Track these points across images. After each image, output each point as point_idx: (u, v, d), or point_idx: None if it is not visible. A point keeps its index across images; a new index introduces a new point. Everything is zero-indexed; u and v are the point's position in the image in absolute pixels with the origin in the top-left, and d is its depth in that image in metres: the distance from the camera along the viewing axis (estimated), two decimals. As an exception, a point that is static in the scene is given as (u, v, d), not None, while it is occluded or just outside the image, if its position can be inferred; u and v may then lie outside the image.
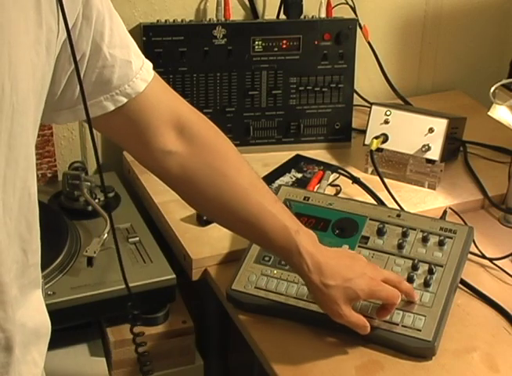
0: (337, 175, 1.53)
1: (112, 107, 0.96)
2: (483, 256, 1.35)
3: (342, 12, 1.67)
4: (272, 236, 1.09)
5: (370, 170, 1.55)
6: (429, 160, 1.52)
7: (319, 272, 1.09)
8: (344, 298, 1.10)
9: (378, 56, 1.76)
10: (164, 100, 1.03)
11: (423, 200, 1.50)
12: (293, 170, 1.57)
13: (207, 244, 1.36)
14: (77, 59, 0.89)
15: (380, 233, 1.27)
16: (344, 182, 1.52)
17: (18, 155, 0.81)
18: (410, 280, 1.20)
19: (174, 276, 1.33)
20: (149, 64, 1.00)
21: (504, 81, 1.47)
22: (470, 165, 1.60)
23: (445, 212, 1.39)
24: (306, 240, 1.10)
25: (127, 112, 0.98)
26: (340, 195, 1.48)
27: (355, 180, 1.51)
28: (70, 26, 0.84)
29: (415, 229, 1.27)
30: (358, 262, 1.15)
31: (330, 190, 1.50)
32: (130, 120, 0.99)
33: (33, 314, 0.91)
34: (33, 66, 0.80)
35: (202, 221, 1.40)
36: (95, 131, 0.94)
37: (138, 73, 0.97)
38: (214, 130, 1.09)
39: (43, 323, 0.94)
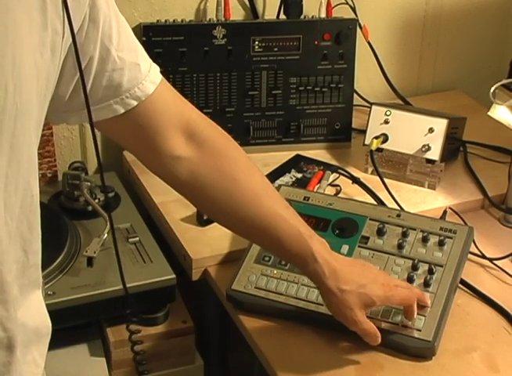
0: (337, 175, 1.53)
1: (122, 110, 0.96)
2: (483, 256, 1.35)
3: (342, 12, 1.67)
4: (286, 242, 1.08)
5: (370, 170, 1.55)
6: (429, 160, 1.52)
7: (335, 278, 1.09)
8: (359, 304, 1.10)
9: (378, 56, 1.76)
10: (172, 104, 1.02)
11: (423, 200, 1.50)
12: (293, 170, 1.57)
13: (207, 244, 1.36)
14: (85, 62, 0.89)
15: (380, 233, 1.27)
16: (344, 182, 1.52)
17: (21, 155, 0.81)
18: (410, 280, 1.20)
19: (174, 276, 1.33)
20: (156, 67, 0.99)
21: (504, 81, 1.47)
22: (470, 165, 1.60)
23: (445, 212, 1.39)
24: (320, 246, 1.10)
25: (135, 116, 0.97)
26: (340, 195, 1.48)
27: (355, 180, 1.51)
28: (76, 29, 0.84)
29: (415, 229, 1.27)
30: (370, 269, 1.15)
31: (330, 190, 1.50)
32: (138, 124, 0.98)
33: (33, 314, 0.91)
34: (37, 67, 0.81)
35: (202, 221, 1.40)
36: (96, 131, 0.94)
37: (147, 75, 0.97)
38: (224, 136, 1.08)
39: (43, 323, 0.94)
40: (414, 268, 1.22)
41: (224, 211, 1.08)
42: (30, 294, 0.90)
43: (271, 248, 1.15)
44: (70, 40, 0.84)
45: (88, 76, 0.91)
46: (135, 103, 0.96)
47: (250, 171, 1.09)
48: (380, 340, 1.12)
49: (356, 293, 1.09)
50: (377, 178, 1.49)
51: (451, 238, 1.26)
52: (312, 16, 1.62)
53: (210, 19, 1.60)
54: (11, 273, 0.84)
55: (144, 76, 0.96)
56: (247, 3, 1.68)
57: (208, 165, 1.04)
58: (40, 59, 0.81)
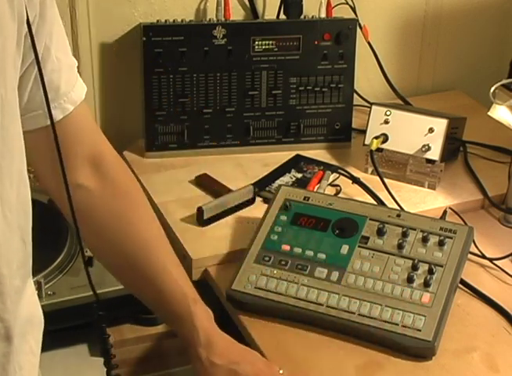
0: (337, 175, 1.53)
1: (60, 116, 0.94)
2: (483, 256, 1.35)
3: (342, 12, 1.67)
4: (167, 299, 1.05)
5: (370, 170, 1.55)
6: (429, 160, 1.52)
7: (208, 348, 1.05)
8: None
9: (378, 56, 1.76)
10: (89, 129, 1.00)
11: (423, 200, 1.50)
12: (293, 170, 1.57)
13: (207, 244, 1.36)
14: (30, 60, 0.87)
15: (380, 233, 1.27)
16: (344, 182, 1.52)
17: (12, 147, 0.81)
18: (410, 280, 1.20)
19: (174, 276, 1.33)
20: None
21: (504, 81, 1.47)
22: (470, 165, 1.60)
23: (445, 212, 1.39)
24: (202, 313, 1.07)
25: (59, 128, 0.93)
26: (340, 195, 1.48)
27: (355, 180, 1.51)
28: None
29: (415, 229, 1.27)
30: (252, 353, 1.11)
31: (330, 190, 1.50)
32: (52, 142, 0.92)
33: (28, 303, 0.92)
34: (13, 59, 0.81)
35: (202, 221, 1.40)
36: None
37: (78, 79, 0.96)
38: (130, 178, 1.06)
39: (36, 311, 0.95)
40: (414, 268, 1.22)
41: (111, 252, 1.05)
42: (26, 284, 0.91)
43: (149, 302, 1.10)
44: (22, 34, 0.83)
45: (29, 77, 0.89)
46: (71, 107, 0.94)
47: (148, 219, 1.06)
48: None
49: (226, 369, 1.04)
50: (377, 178, 1.49)
51: (451, 238, 1.26)
52: (312, 16, 1.62)
53: (210, 19, 1.60)
54: (10, 265, 0.84)
55: (76, 79, 0.95)
56: (247, 3, 1.68)
57: (107, 202, 1.02)
58: (13, 51, 0.81)
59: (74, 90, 0.95)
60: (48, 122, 0.91)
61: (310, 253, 1.25)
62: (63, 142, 0.93)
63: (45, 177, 1.00)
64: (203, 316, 1.06)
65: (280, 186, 1.38)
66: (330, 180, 1.52)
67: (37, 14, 0.86)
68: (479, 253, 1.35)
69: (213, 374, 1.05)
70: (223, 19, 1.59)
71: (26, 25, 0.82)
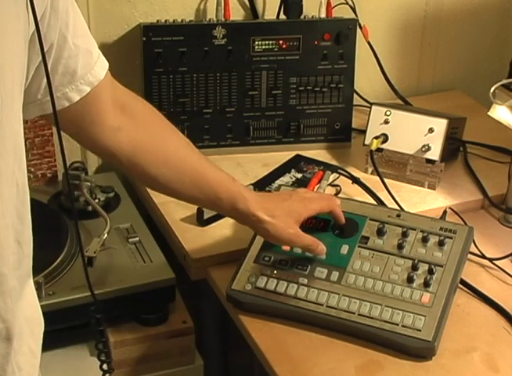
0: (337, 175, 1.53)
1: (77, 98, 0.98)
2: (483, 256, 1.35)
3: (342, 12, 1.67)
4: (219, 191, 1.16)
5: (370, 170, 1.55)
6: (429, 160, 1.52)
7: (264, 209, 1.18)
8: (291, 220, 1.20)
9: (378, 56, 1.76)
10: (110, 84, 1.05)
11: (423, 200, 1.50)
12: (293, 170, 1.57)
13: (207, 244, 1.36)
14: (45, 49, 0.89)
15: (380, 233, 1.27)
16: (344, 182, 1.52)
17: (8, 146, 0.82)
18: (410, 280, 1.20)
19: (173, 276, 1.33)
20: (101, 54, 1.02)
21: (504, 81, 1.47)
22: (470, 165, 1.60)
23: (445, 212, 1.39)
24: (243, 186, 1.21)
25: (86, 101, 0.99)
26: (340, 195, 1.48)
27: (355, 180, 1.51)
28: (39, 17, 0.84)
29: (415, 229, 1.27)
30: (282, 192, 1.32)
31: (330, 190, 1.50)
32: (86, 107, 1.00)
33: (28, 304, 0.92)
34: (14, 56, 0.82)
35: (202, 221, 1.40)
36: None
37: (97, 61, 0.99)
38: (147, 105, 1.15)
39: (36, 311, 0.95)
40: (414, 268, 1.22)
41: (163, 171, 1.13)
42: (25, 285, 0.91)
43: (204, 198, 1.19)
44: (33, 29, 0.85)
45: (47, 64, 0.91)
46: (88, 89, 0.98)
47: (178, 133, 1.17)
48: (324, 248, 1.23)
49: (284, 213, 1.19)
50: (377, 178, 1.49)
51: (451, 238, 1.26)
52: (312, 16, 1.62)
53: (210, 19, 1.60)
54: (8, 265, 0.84)
55: (94, 61, 0.99)
56: (247, 3, 1.68)
57: (143, 132, 1.11)
58: (17, 49, 0.82)
59: (92, 72, 0.98)
60: (67, 104, 0.97)
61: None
62: (90, 113, 1.02)
63: (80, 136, 1.09)
64: (245, 188, 1.21)
65: (280, 186, 1.38)
66: (330, 180, 1.52)
67: (49, 6, 0.88)
68: (479, 253, 1.35)
69: (279, 223, 1.19)
70: (223, 19, 1.59)
71: (33, 21, 0.83)
